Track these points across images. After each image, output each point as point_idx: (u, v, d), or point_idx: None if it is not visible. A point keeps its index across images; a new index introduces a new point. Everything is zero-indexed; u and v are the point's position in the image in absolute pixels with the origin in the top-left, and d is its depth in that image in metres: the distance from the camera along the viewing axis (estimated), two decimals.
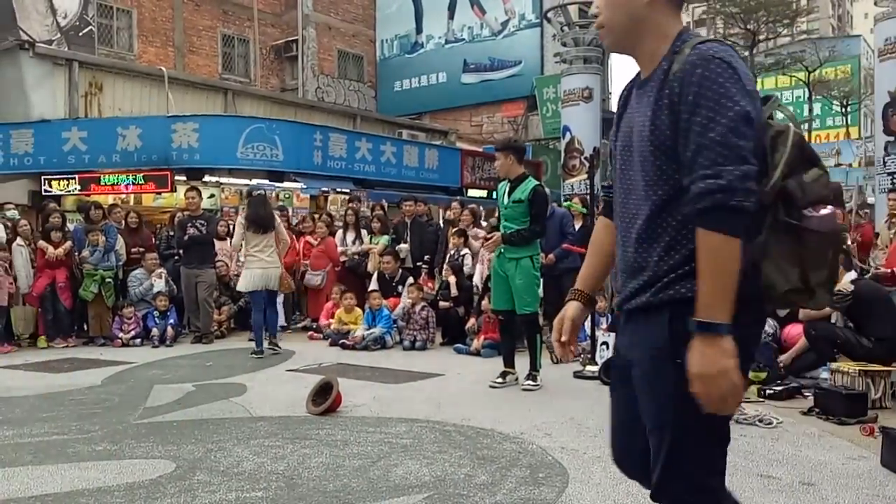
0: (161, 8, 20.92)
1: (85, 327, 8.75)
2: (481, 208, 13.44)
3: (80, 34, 18.43)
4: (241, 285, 7.65)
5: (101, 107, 13.78)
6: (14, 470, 3.52)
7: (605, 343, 6.27)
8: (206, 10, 21.96)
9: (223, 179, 12.82)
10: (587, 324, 6.82)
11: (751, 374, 5.36)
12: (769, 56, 29.73)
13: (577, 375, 6.04)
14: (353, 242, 9.47)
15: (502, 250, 5.61)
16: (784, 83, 31.86)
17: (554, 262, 7.68)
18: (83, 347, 8.23)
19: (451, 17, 24.12)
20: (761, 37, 26.60)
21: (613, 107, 27.24)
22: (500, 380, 5.68)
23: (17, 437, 4.17)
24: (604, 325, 6.87)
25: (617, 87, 25.41)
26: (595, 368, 5.97)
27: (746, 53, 26.68)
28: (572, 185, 15.02)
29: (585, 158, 17.05)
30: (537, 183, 5.66)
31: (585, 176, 13.38)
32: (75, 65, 13.62)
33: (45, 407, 4.99)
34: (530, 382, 5.56)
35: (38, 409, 4.90)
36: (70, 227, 8.93)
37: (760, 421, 4.48)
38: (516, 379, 5.72)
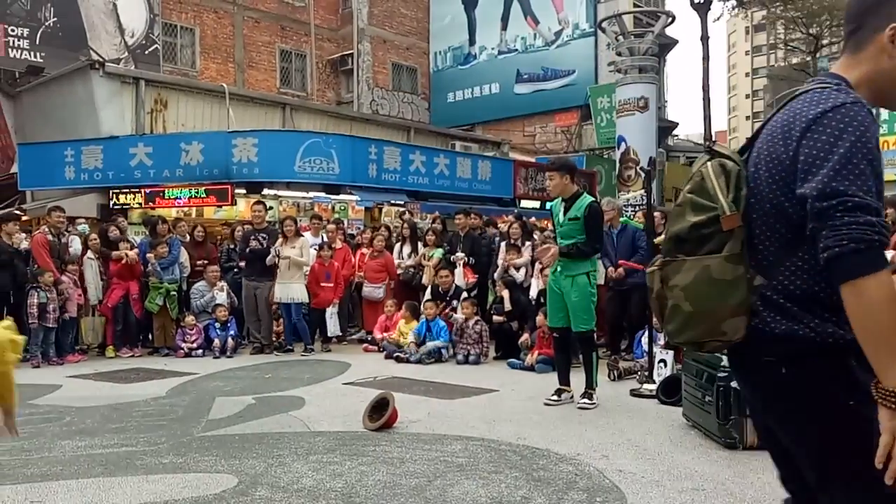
0: (222, 25, 21.60)
1: (150, 338, 9.06)
2: (533, 219, 13.41)
3: (147, 52, 19.18)
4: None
5: (165, 123, 14.26)
6: (87, 481, 3.68)
7: (662, 361, 6.17)
8: (265, 26, 22.55)
9: (281, 193, 13.10)
10: (644, 340, 6.73)
11: None
12: (833, 61, 28.80)
13: (634, 394, 5.94)
14: (409, 256, 9.57)
15: (559, 267, 5.58)
16: None
17: (623, 277, 7.63)
18: (148, 357, 8.53)
19: (505, 27, 24.18)
20: (825, 41, 25.82)
21: (670, 116, 26.81)
22: (554, 397, 5.64)
23: (88, 447, 4.35)
24: (661, 342, 6.75)
25: (673, 97, 25.05)
26: (653, 387, 5.86)
27: (809, 58, 25.97)
28: (628, 199, 14.81)
29: (641, 169, 16.84)
30: (592, 199, 5.64)
31: (642, 189, 13.18)
32: (142, 83, 14.12)
33: (114, 417, 5.18)
34: (586, 401, 5.51)
35: (107, 420, 5.10)
36: (136, 239, 9.28)
37: None
38: (571, 397, 5.66)
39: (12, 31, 16.85)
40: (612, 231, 8.05)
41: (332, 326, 9.28)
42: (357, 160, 13.58)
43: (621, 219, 8.15)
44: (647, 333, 6.52)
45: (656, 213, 8.51)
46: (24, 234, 8.65)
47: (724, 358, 4.39)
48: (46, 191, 13.37)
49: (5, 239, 8.40)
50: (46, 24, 17.39)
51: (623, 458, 4.11)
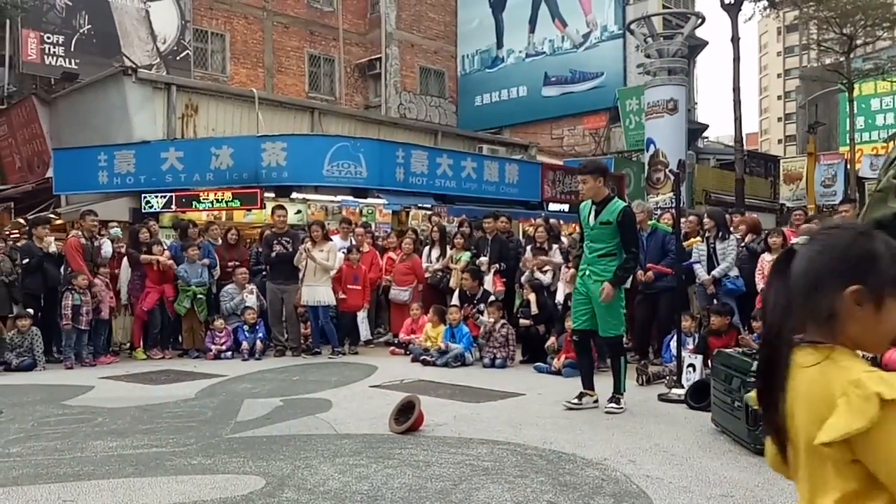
0: (252, 31, 21.87)
1: (179, 340, 9.19)
2: (561, 222, 13.34)
3: (178, 58, 19.51)
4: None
5: (196, 128, 14.47)
6: (118, 481, 3.74)
7: (691, 365, 6.09)
8: (294, 31, 22.80)
9: (310, 196, 13.21)
10: (673, 344, 6.65)
11: None
12: (867, 61, 28.28)
13: (662, 399, 5.88)
14: (437, 259, 9.58)
15: (588, 270, 5.47)
16: (884, 88, 30.25)
17: (652, 281, 7.57)
18: (178, 359, 8.65)
19: (532, 30, 24.16)
20: (859, 41, 25.33)
21: (699, 118, 26.52)
22: (575, 400, 5.55)
23: (120, 448, 4.42)
24: (690, 346, 6.67)
25: (703, 99, 24.83)
26: (681, 392, 5.79)
27: (842, 59, 25.52)
28: (657, 202, 14.69)
29: (670, 171, 16.68)
30: (625, 204, 5.53)
31: (671, 192, 13.04)
32: (173, 88, 14.35)
33: (144, 419, 5.26)
34: (613, 405, 5.42)
35: (138, 421, 5.18)
36: (167, 242, 9.43)
37: None
38: (595, 401, 5.57)
39: (48, 38, 17.26)
40: (641, 234, 7.98)
41: (364, 331, 9.34)
42: (385, 164, 13.64)
43: (650, 222, 8.06)
44: (675, 338, 6.45)
45: (691, 218, 8.44)
46: (52, 238, 8.83)
47: (755, 363, 4.33)
48: (80, 195, 13.64)
49: (36, 242, 8.60)
50: (81, 31, 17.79)
51: (650, 463, 4.06)
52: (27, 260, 8.45)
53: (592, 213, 5.47)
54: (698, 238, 7.70)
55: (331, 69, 23.73)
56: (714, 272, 7.51)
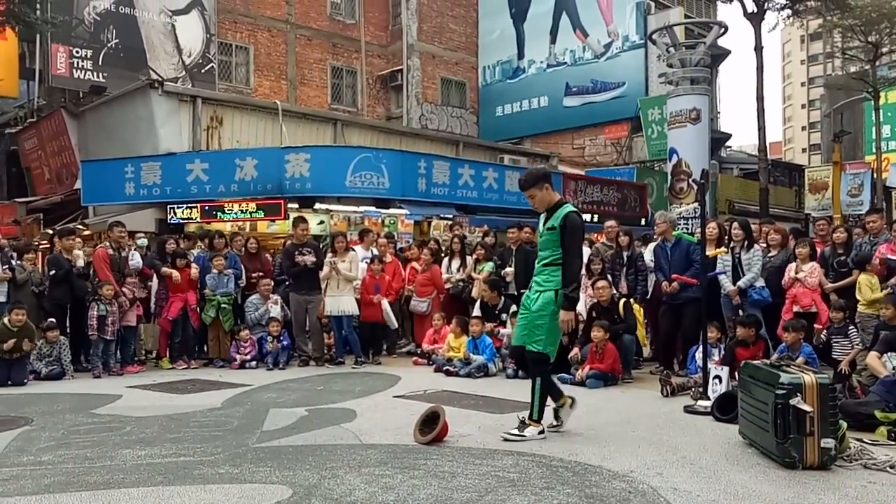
0: (275, 44, 22.13)
1: (205, 349, 9.28)
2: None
3: (203, 71, 19.79)
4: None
5: (220, 139, 14.65)
6: (147, 490, 3.78)
7: (717, 377, 6.03)
8: (317, 43, 23.04)
9: (332, 207, 13.31)
10: (699, 356, 6.60)
11: (880, 415, 5.02)
12: (893, 69, 27.95)
13: (688, 410, 5.82)
14: (458, 270, 9.59)
15: (533, 283, 5.09)
16: None
17: (677, 291, 7.52)
18: (203, 369, 8.73)
19: (553, 41, 24.19)
20: (884, 49, 25.05)
21: (722, 127, 26.32)
22: (555, 423, 5.12)
23: (148, 457, 4.47)
24: (716, 358, 6.61)
25: (725, 108, 24.67)
26: (707, 404, 5.73)
27: (867, 67, 25.24)
28: (680, 213, 14.57)
29: (693, 181, 16.55)
30: (572, 209, 5.01)
31: (695, 201, 12.94)
32: (198, 100, 14.56)
33: (172, 427, 5.32)
34: (515, 432, 4.85)
35: (166, 430, 5.23)
36: (194, 253, 9.54)
37: (892, 467, 4.17)
38: (571, 404, 5.12)
39: (77, 52, 17.61)
40: (665, 244, 7.95)
41: (390, 322, 9.33)
42: (407, 174, 13.70)
43: (675, 232, 8.02)
44: (700, 349, 6.40)
45: (711, 226, 8.37)
46: (81, 252, 8.97)
47: (783, 374, 4.29)
48: (107, 206, 13.86)
49: (63, 254, 8.74)
50: (109, 45, 18.13)
51: (678, 475, 4.02)
52: (54, 271, 8.60)
53: (542, 220, 5.14)
54: (724, 248, 7.64)
55: (353, 81, 23.93)
56: (739, 283, 7.44)
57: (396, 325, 9.55)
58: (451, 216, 13.99)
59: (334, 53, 23.44)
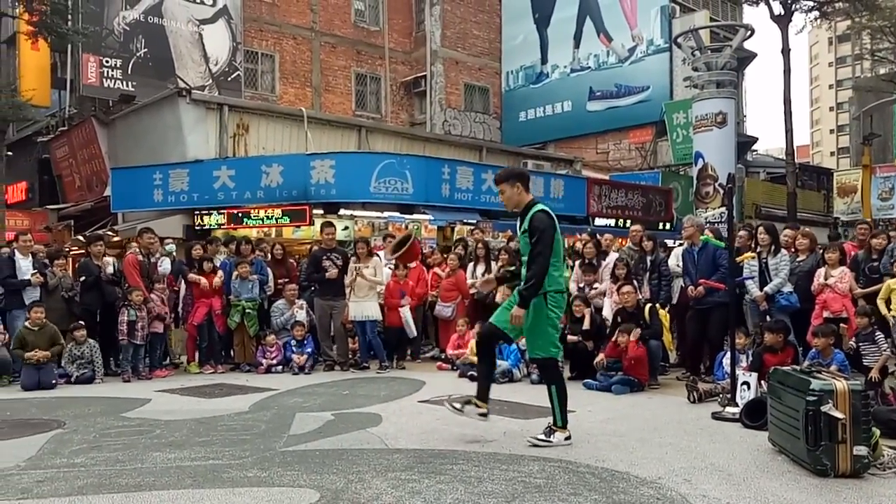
0: (300, 51, 22.35)
1: (231, 354, 9.38)
2: (608, 237, 13.21)
3: (229, 79, 20.05)
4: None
5: (247, 146, 14.81)
6: (177, 493, 3.83)
7: (745, 383, 5.95)
8: (342, 50, 23.22)
9: (357, 213, 13.39)
10: (726, 362, 6.53)
11: None
12: None
13: (716, 417, 5.76)
14: (483, 275, 9.58)
15: (516, 288, 4.92)
16: None
17: (703, 296, 7.45)
18: (230, 373, 8.82)
19: (577, 45, 24.13)
20: None
21: (749, 130, 26.04)
22: (457, 405, 4.94)
23: (178, 460, 4.53)
24: (744, 364, 6.53)
25: (752, 111, 24.44)
26: (735, 410, 5.67)
27: None
28: (706, 217, 14.43)
29: (720, 185, 16.41)
30: (541, 208, 4.84)
31: (723, 206, 12.81)
32: (225, 108, 14.73)
33: (200, 431, 5.38)
34: (541, 437, 4.81)
35: (194, 433, 5.30)
36: (221, 258, 9.65)
37: None
38: (482, 414, 4.92)
39: (107, 62, 17.94)
40: (692, 249, 7.88)
41: (411, 330, 9.34)
42: (430, 180, 13.75)
43: (702, 237, 7.94)
44: (727, 354, 6.33)
45: (742, 233, 8.29)
46: (110, 259, 9.11)
47: (813, 381, 4.23)
48: (136, 212, 14.08)
49: (94, 260, 8.90)
50: (138, 55, 18.45)
51: (707, 482, 3.98)
52: (84, 277, 8.76)
53: (518, 223, 5.01)
54: (751, 253, 7.55)
55: (377, 87, 24.08)
56: (767, 288, 7.35)
57: (416, 334, 9.55)
58: (474, 221, 13.99)
59: (358, 60, 23.61)
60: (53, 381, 7.76)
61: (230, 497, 3.74)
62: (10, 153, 16.41)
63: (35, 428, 5.62)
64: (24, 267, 8.62)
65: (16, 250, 8.80)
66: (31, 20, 14.32)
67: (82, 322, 8.40)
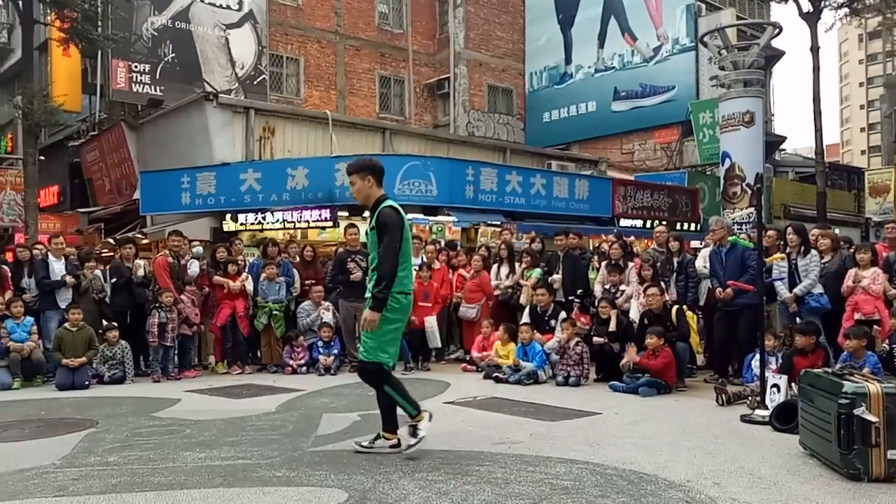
0: (325, 54, 22.52)
1: (258, 355, 9.47)
2: (633, 238, 13.14)
3: (255, 83, 20.26)
4: None
5: (273, 149, 14.98)
6: (208, 491, 3.88)
7: (775, 386, 5.88)
8: (366, 54, 23.35)
9: None
10: (755, 364, 6.45)
11: None
12: None
13: (745, 420, 5.69)
14: (507, 276, 9.59)
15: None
16: None
17: (731, 298, 7.37)
18: (257, 374, 8.91)
19: (602, 45, 24.00)
20: None
21: (777, 130, 25.68)
22: (366, 443, 4.67)
23: (208, 459, 4.60)
24: (773, 366, 6.45)
25: (780, 110, 24.10)
26: (765, 413, 5.60)
27: None
28: (734, 218, 14.26)
29: (747, 185, 16.18)
30: (389, 205, 4.61)
31: (751, 207, 12.59)
32: (251, 112, 14.93)
33: (229, 431, 5.45)
34: (365, 443, 4.64)
35: (224, 433, 5.36)
36: (248, 260, 9.76)
37: None
38: (393, 445, 4.62)
39: (135, 67, 18.23)
40: (720, 250, 7.80)
41: (434, 340, 9.37)
42: (455, 182, 13.79)
43: (730, 238, 7.85)
44: (757, 356, 6.25)
45: (770, 233, 8.19)
46: (141, 262, 9.26)
47: (846, 384, 4.17)
48: (164, 215, 14.30)
49: (125, 262, 9.06)
50: (166, 59, 18.72)
51: (737, 486, 3.94)
52: (115, 279, 8.91)
53: (368, 219, 4.76)
54: (781, 254, 7.45)
55: (401, 90, 24.17)
56: (796, 289, 7.25)
57: (440, 345, 9.58)
58: (498, 223, 14.00)
59: (382, 63, 23.72)
60: (87, 382, 7.93)
61: (260, 496, 3.79)
62: (42, 157, 16.73)
63: (69, 427, 5.74)
64: (58, 269, 8.79)
65: (49, 253, 8.97)
66: (62, 27, 14.61)
67: (115, 324, 8.55)
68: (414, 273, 9.17)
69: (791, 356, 6.32)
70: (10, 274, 8.79)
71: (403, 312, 4.66)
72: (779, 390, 5.81)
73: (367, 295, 4.60)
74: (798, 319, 7.16)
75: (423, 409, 4.66)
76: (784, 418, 5.26)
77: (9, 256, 9.86)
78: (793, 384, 5.69)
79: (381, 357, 4.58)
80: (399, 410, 4.70)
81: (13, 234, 15.26)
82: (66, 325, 8.22)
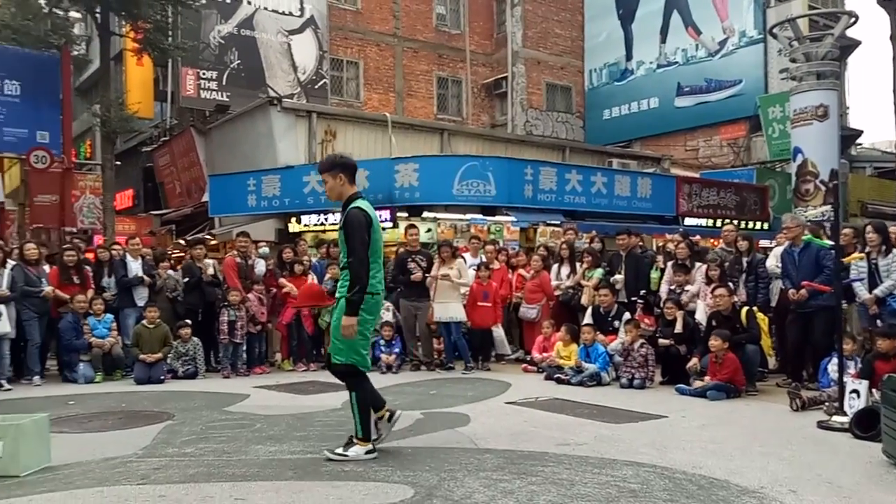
0: (384, 57, 22.77)
1: (322, 352, 9.63)
2: (699, 237, 12.81)
3: (316, 87, 20.66)
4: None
5: (334, 152, 15.21)
6: (280, 483, 3.99)
7: (855, 391, 5.65)
8: (423, 55, 23.51)
9: (440, 215, 13.51)
10: (832, 368, 6.22)
11: None
12: None
13: (822, 426, 5.49)
14: (568, 276, 9.50)
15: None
16: None
17: (805, 299, 7.11)
18: (322, 371, 9.04)
19: (664, 40, 23.50)
20: None
21: (852, 123, 24.61)
22: (340, 450, 4.48)
23: (279, 452, 4.72)
24: (852, 371, 6.19)
25: (856, 102, 23.12)
26: (844, 420, 5.38)
27: None
28: (807, 217, 13.74)
29: (821, 182, 15.60)
30: (357, 205, 4.51)
31: (826, 205, 12.15)
32: (313, 115, 15.21)
33: (298, 426, 5.58)
34: (339, 451, 4.45)
35: (292, 428, 5.50)
36: (313, 261, 9.95)
37: None
38: (369, 452, 4.47)
39: (203, 74, 18.83)
40: (793, 249, 7.53)
41: (503, 347, 9.44)
42: (513, 181, 13.74)
43: (805, 236, 7.56)
44: (833, 360, 6.02)
45: (846, 231, 7.86)
46: (210, 262, 9.56)
47: None
48: (231, 217, 14.72)
49: (196, 262, 9.36)
50: (232, 66, 19.28)
51: (814, 494, 3.81)
52: (187, 279, 9.23)
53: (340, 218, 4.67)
54: (859, 254, 7.15)
55: (458, 90, 24.23)
56: (877, 290, 6.94)
57: (509, 352, 9.63)
58: (558, 222, 13.87)
59: (440, 64, 23.83)
60: (162, 377, 8.25)
61: (329, 490, 3.86)
62: (118, 163, 17.46)
63: (148, 419, 5.99)
64: (135, 268, 9.18)
65: (127, 253, 9.35)
66: (136, 38, 15.24)
67: (188, 321, 8.86)
68: (473, 273, 9.31)
69: (872, 360, 6.05)
70: (92, 274, 9.20)
71: (372, 313, 4.57)
72: (859, 396, 5.57)
73: (339, 296, 4.52)
74: (879, 322, 6.85)
75: (374, 441, 4.55)
76: (865, 425, 5.05)
77: (90, 257, 10.32)
78: (874, 390, 5.46)
79: (354, 359, 4.51)
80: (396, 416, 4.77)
81: (92, 235, 15.95)
82: (144, 322, 8.59)
